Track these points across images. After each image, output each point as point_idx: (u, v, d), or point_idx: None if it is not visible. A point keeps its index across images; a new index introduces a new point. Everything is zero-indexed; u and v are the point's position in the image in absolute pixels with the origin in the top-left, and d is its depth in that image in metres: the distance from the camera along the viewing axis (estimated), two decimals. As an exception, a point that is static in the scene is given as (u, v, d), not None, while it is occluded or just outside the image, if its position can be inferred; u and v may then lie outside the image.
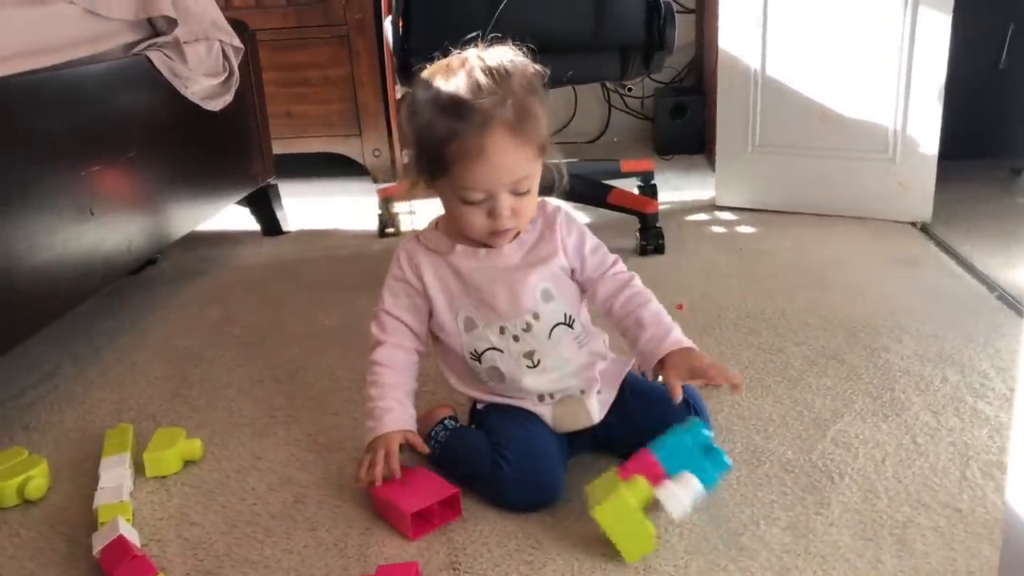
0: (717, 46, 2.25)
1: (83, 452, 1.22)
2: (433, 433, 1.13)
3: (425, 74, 1.03)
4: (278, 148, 2.38)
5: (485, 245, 1.07)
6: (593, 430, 1.10)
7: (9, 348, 1.28)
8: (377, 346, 1.11)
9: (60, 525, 1.06)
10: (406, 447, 1.07)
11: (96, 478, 1.10)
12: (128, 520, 1.01)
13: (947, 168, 2.04)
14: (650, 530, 0.92)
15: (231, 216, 2.25)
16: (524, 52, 1.03)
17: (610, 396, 1.11)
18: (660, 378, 1.05)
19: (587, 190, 2.05)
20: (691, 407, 1.09)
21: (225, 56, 1.98)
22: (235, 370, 1.47)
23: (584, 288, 1.12)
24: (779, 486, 1.05)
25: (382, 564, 0.92)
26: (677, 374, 1.02)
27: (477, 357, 1.07)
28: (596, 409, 1.09)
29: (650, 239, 1.94)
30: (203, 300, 1.82)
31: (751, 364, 1.38)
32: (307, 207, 2.53)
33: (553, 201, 1.13)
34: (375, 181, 2.81)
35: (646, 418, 1.07)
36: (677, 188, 2.52)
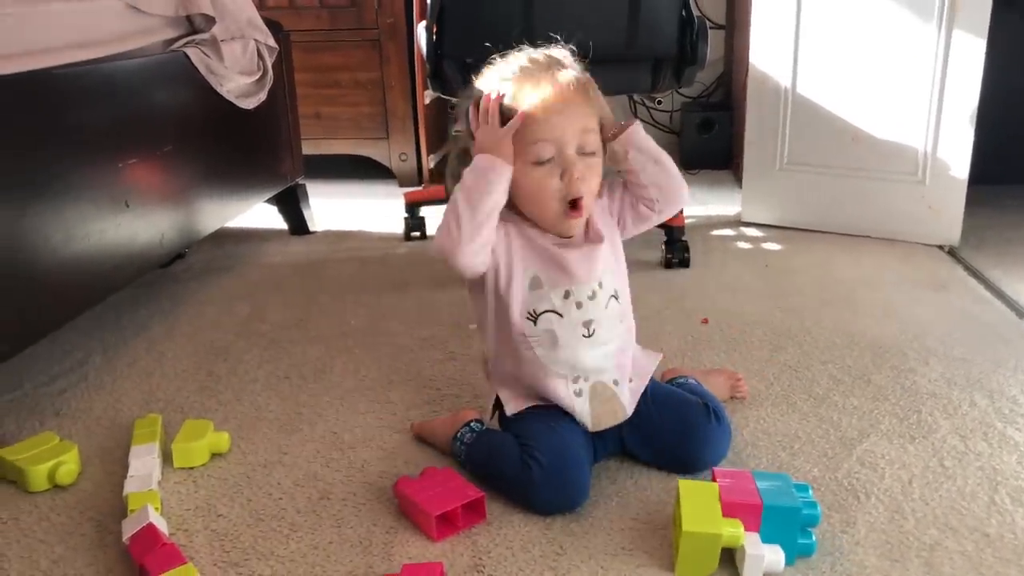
0: (746, 62, 2.25)
1: (113, 440, 1.23)
2: (459, 435, 1.14)
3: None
4: (307, 149, 2.40)
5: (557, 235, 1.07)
6: (620, 435, 1.11)
7: (43, 336, 1.30)
8: None
9: (90, 511, 1.07)
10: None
11: (125, 466, 1.11)
12: (157, 509, 1.01)
13: (976, 192, 2.03)
14: (715, 566, 0.92)
15: (259, 214, 2.27)
16: (575, 54, 1.08)
17: (641, 385, 1.12)
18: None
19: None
20: (711, 411, 1.11)
21: (260, 55, 2.00)
22: (262, 366, 1.48)
23: (625, 209, 1.13)
24: (805, 503, 1.05)
25: (407, 563, 0.93)
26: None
27: (534, 318, 1.06)
28: (628, 401, 1.10)
29: (676, 252, 1.94)
30: (231, 296, 1.84)
31: (776, 380, 1.38)
32: (333, 208, 2.55)
33: None
34: (401, 185, 2.82)
35: (669, 423, 1.11)
36: (703, 203, 2.52)
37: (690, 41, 1.84)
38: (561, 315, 1.06)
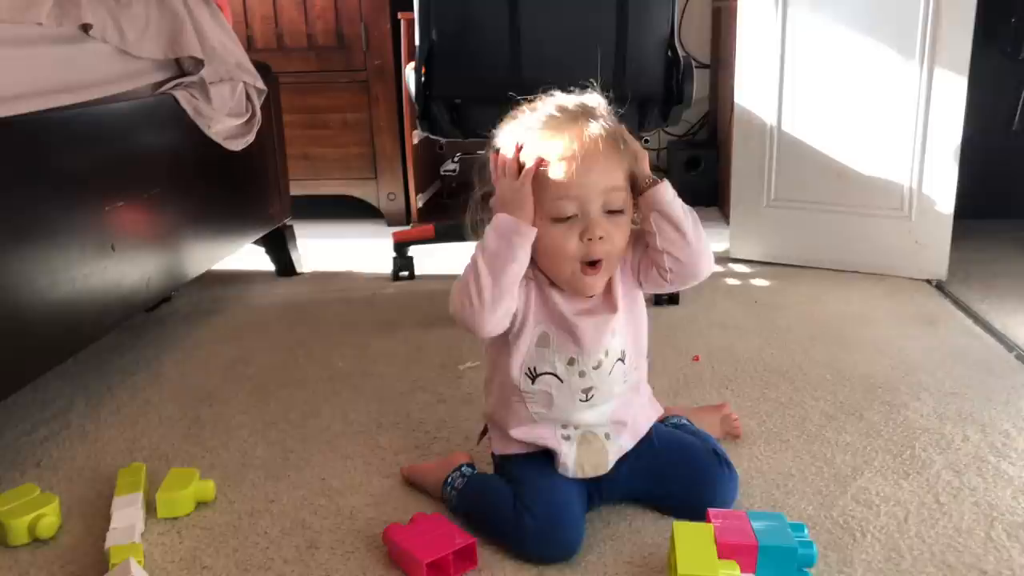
0: (732, 101, 2.27)
1: (95, 490, 1.21)
2: (450, 479, 1.12)
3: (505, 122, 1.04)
4: (294, 189, 2.40)
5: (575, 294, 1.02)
6: (621, 482, 1.09)
7: (26, 383, 1.28)
8: None
9: (71, 565, 1.04)
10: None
11: (108, 517, 1.09)
12: (140, 562, 0.99)
13: (962, 227, 2.04)
14: None
15: (246, 256, 2.26)
16: (610, 100, 1.03)
17: (629, 444, 1.09)
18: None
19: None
20: (720, 459, 1.09)
21: (248, 97, 2.00)
22: (248, 411, 1.46)
23: (640, 267, 1.06)
24: (801, 544, 1.03)
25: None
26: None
27: (532, 376, 1.03)
28: (614, 456, 1.07)
29: (665, 289, 1.94)
30: (217, 339, 1.82)
31: (769, 417, 1.37)
32: (321, 249, 2.54)
33: None
34: (389, 225, 2.82)
35: (678, 469, 1.08)
36: (691, 239, 2.52)
37: (676, 81, 1.85)
38: (561, 380, 1.03)
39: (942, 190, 2.02)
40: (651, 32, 1.84)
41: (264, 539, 1.08)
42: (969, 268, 2.09)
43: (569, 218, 0.96)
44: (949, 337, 1.71)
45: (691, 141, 3.19)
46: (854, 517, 1.08)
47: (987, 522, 1.06)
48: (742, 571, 0.91)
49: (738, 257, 2.30)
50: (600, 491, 1.09)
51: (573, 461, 1.05)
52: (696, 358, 1.61)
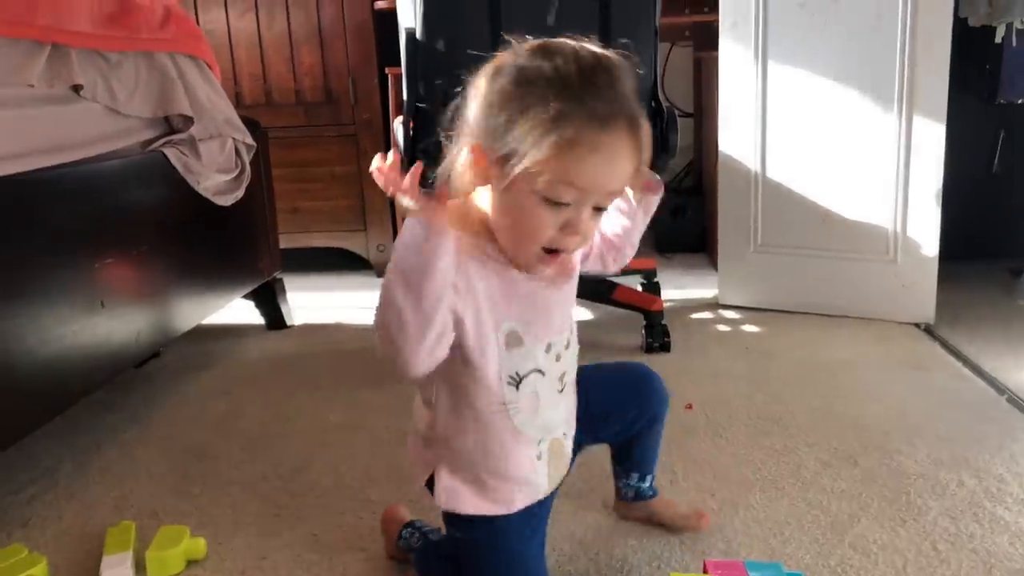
0: (716, 149, 2.31)
1: (83, 550, 1.19)
2: (404, 535, 1.11)
3: (515, 54, 0.87)
4: (284, 243, 2.40)
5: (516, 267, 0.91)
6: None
7: (14, 442, 1.26)
8: None
9: (57, 629, 1.02)
10: None
11: (96, 579, 1.07)
12: (129, 624, 0.97)
13: (948, 269, 2.07)
14: None
15: (236, 309, 2.26)
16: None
17: (572, 432, 1.03)
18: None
19: (592, 286, 2.06)
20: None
21: (237, 153, 2.02)
22: (239, 466, 1.44)
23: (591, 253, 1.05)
24: (800, 594, 1.02)
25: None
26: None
27: (517, 383, 0.91)
28: (570, 451, 1.03)
29: (656, 337, 1.94)
30: (207, 394, 1.81)
31: (764, 465, 1.36)
32: (311, 301, 2.54)
33: None
34: (379, 276, 2.83)
35: (611, 391, 1.09)
36: (680, 286, 2.53)
37: (661, 130, 1.88)
38: (544, 373, 0.93)
39: (926, 233, 2.04)
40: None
41: (256, 599, 1.06)
42: (956, 311, 2.10)
43: (560, 204, 0.84)
44: (940, 381, 1.71)
45: (677, 189, 3.22)
46: (852, 566, 1.08)
47: (985, 569, 1.06)
48: None
49: (727, 303, 2.31)
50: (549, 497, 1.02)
51: (547, 478, 0.98)
52: (689, 406, 1.61)
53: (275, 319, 2.30)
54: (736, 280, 2.30)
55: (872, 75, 2.03)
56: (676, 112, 1.93)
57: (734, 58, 2.20)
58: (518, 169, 0.82)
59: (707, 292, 2.43)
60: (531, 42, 0.86)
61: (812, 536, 1.15)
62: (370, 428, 1.59)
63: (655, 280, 2.37)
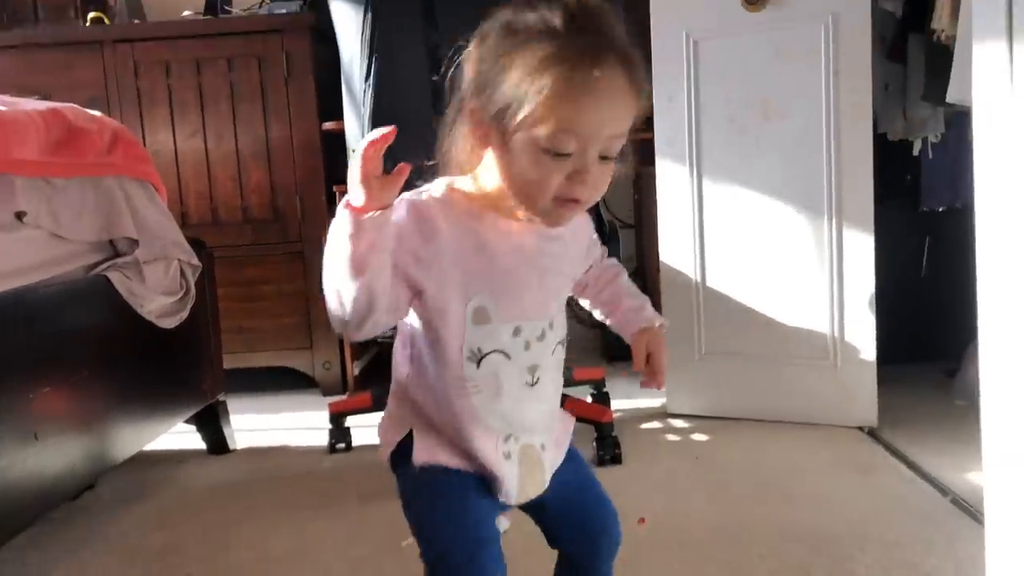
0: (657, 258, 2.37)
1: None
2: None
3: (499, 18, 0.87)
4: (228, 363, 2.36)
5: (529, 221, 0.90)
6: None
7: (-67, 589, 1.19)
8: None
9: None
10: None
11: None
12: None
13: (887, 372, 2.12)
14: None
15: (175, 434, 2.19)
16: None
17: (558, 457, 0.99)
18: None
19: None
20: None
21: (183, 274, 2.01)
22: (177, 604, 1.38)
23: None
24: None
25: None
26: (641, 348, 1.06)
27: (477, 360, 0.89)
28: (549, 472, 0.97)
29: (607, 449, 1.94)
30: (144, 527, 1.73)
31: (719, 580, 1.35)
32: (254, 423, 2.48)
33: None
34: (325, 394, 2.79)
35: (587, 515, 1.03)
36: (628, 395, 2.54)
37: (603, 242, 1.93)
38: (509, 356, 0.90)
39: (863, 338, 2.10)
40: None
41: None
42: (897, 413, 2.15)
43: (563, 155, 0.83)
44: (885, 485, 1.73)
45: (622, 298, 3.27)
46: None
47: None
48: None
49: (675, 412, 2.32)
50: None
51: (516, 484, 0.93)
52: (642, 521, 1.59)
53: (217, 443, 2.24)
54: (683, 388, 2.32)
55: (803, 188, 2.13)
56: (617, 224, 1.98)
57: (671, 173, 2.28)
58: (517, 119, 0.82)
59: (656, 401, 2.44)
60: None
61: (771, 654, 1.13)
62: (319, 557, 1.53)
63: (604, 390, 2.38)
